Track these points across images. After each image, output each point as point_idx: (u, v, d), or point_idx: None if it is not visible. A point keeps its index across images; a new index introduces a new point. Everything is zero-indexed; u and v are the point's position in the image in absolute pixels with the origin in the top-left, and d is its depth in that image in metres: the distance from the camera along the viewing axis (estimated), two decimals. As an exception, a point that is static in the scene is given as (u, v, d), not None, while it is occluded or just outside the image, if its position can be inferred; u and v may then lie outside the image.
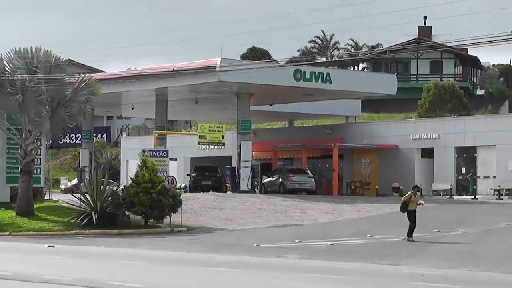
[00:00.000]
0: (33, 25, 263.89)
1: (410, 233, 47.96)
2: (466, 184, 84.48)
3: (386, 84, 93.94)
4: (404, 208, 49.19)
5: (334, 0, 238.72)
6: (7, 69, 65.50)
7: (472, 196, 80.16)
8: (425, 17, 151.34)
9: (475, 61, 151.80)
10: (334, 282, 28.43)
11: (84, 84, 67.34)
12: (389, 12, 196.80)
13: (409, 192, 51.21)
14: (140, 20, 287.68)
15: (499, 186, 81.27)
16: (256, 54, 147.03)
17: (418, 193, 53.35)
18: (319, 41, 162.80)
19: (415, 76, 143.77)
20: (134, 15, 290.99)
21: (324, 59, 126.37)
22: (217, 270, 32.61)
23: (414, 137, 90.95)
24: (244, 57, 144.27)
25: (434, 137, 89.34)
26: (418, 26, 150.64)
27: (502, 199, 78.59)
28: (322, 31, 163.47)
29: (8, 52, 66.24)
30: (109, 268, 31.98)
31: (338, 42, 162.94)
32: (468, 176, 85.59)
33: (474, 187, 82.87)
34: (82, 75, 71.18)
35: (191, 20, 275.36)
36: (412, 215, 48.54)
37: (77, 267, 32.08)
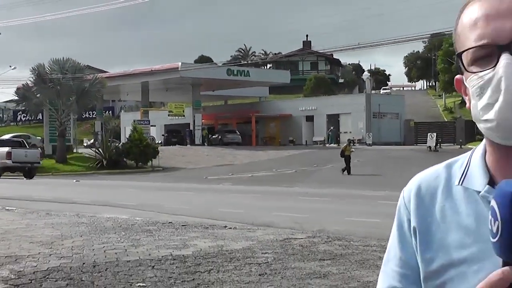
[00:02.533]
0: (65, 45, 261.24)
1: (348, 171, 47.23)
2: (333, 137, 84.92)
3: (283, 76, 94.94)
4: (342, 154, 48.69)
5: (251, 23, 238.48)
6: (47, 71, 65.27)
7: (336, 144, 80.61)
8: (307, 35, 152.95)
9: (338, 61, 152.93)
10: (252, 197, 28.54)
11: (96, 80, 67.37)
12: (286, 31, 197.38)
13: (345, 144, 51.11)
14: (130, 37, 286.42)
15: (353, 137, 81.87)
16: (204, 59, 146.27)
17: (351, 144, 53.02)
18: (242, 51, 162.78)
19: (302, 71, 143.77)
20: (128, 34, 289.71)
21: (245, 62, 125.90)
22: (182, 193, 32.62)
23: (302, 109, 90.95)
24: (196, 61, 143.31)
25: (313, 109, 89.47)
26: (303, 41, 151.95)
27: (354, 145, 79.15)
28: (244, 45, 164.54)
29: (49, 61, 66.17)
30: (113, 193, 31.89)
31: (254, 51, 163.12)
32: (329, 131, 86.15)
33: (338, 138, 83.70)
34: (95, 75, 70.83)
35: (163, 36, 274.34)
36: (347, 159, 47.71)
37: (93, 193, 31.95)
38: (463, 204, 1.82)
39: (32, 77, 66.31)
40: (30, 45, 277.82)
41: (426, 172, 1.92)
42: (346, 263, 12.12)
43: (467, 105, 1.80)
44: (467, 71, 1.75)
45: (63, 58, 67.14)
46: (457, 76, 1.85)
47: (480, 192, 1.78)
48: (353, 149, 51.17)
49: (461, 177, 1.84)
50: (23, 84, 67.88)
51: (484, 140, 1.82)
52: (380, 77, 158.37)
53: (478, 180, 1.80)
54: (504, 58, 1.66)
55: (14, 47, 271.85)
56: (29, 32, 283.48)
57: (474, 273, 1.74)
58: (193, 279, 10.84)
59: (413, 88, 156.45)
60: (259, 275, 11.10)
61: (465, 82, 1.78)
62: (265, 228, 17.16)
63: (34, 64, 66.58)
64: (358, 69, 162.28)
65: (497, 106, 1.68)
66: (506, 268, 1.54)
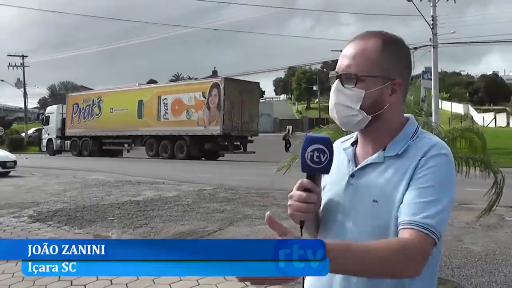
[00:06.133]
0: (68, 72, 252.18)
1: (287, 150, 41.00)
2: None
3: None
4: (284, 138, 44.51)
5: (182, 58, 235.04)
6: (57, 89, 63.40)
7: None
8: (214, 67, 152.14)
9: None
10: (180, 165, 28.19)
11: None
12: (203, 64, 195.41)
13: (286, 132, 47.40)
14: (109, 68, 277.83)
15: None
16: (152, 81, 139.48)
17: (289, 132, 48.81)
18: (176, 76, 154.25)
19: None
20: (107, 66, 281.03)
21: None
22: (138, 163, 31.94)
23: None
24: (148, 82, 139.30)
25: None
26: (212, 70, 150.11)
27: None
28: (177, 72, 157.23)
29: (58, 83, 64.40)
30: (97, 164, 30.99)
31: (183, 76, 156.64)
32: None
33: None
34: (86, 91, 69.37)
35: (128, 67, 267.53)
36: (287, 142, 43.00)
37: (85, 164, 31.11)
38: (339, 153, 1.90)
39: (48, 93, 64.67)
40: (46, 72, 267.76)
41: (342, 139, 1.98)
42: (235, 204, 12.28)
43: None
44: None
45: (66, 81, 65.82)
46: None
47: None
48: (291, 136, 45.94)
49: (348, 140, 1.94)
50: (43, 97, 66.22)
51: None
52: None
53: (349, 142, 1.92)
54: (335, 83, 1.77)
55: (38, 74, 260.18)
56: (47, 64, 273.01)
57: (327, 191, 1.85)
58: (143, 214, 10.88)
59: (278, 99, 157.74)
60: (183, 211, 11.20)
61: None
62: (187, 183, 17.16)
63: (49, 85, 65.15)
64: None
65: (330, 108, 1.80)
66: (305, 179, 1.67)
